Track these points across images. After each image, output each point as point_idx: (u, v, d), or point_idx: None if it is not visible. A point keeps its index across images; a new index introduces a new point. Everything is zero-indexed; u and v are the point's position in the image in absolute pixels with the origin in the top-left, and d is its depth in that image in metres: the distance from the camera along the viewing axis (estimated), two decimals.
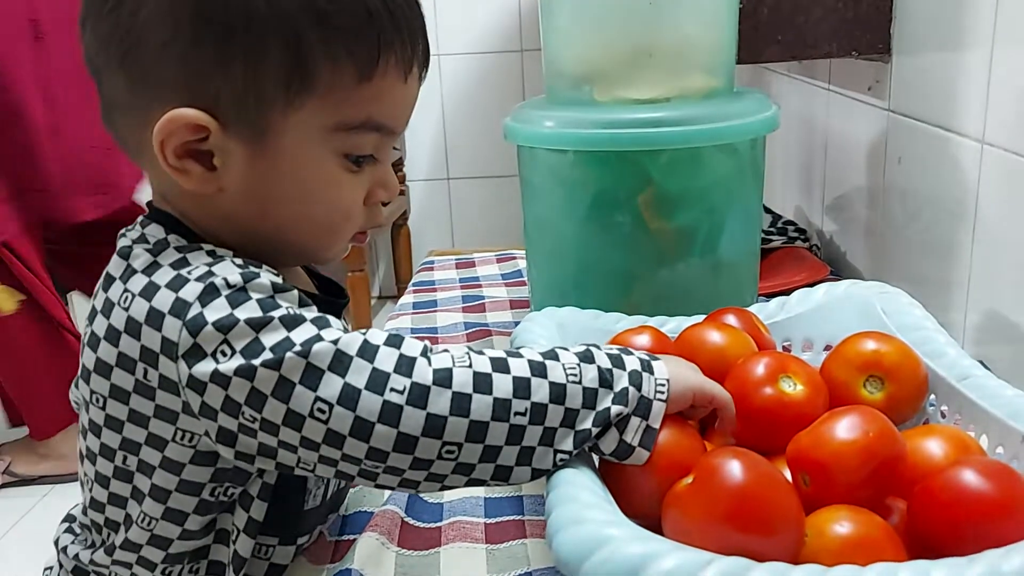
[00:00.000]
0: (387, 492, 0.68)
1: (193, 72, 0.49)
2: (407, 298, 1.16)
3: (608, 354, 0.51)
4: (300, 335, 0.46)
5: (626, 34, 0.81)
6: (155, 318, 0.48)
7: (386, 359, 0.47)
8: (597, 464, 0.51)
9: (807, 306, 0.73)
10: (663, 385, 0.51)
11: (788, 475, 0.51)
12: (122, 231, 0.55)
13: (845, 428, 0.50)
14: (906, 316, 0.67)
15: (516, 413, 0.47)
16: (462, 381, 0.46)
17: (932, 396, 0.61)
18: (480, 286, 1.19)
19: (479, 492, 0.67)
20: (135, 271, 0.51)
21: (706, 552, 0.41)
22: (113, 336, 0.50)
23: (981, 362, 0.61)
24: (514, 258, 1.31)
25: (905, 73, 0.95)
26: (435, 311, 1.10)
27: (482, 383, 0.47)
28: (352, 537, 0.62)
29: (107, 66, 0.52)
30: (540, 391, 0.48)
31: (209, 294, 0.47)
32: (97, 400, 0.52)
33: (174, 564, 0.55)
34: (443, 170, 2.74)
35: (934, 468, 0.51)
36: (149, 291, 0.49)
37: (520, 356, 0.49)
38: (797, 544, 0.45)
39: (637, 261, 0.83)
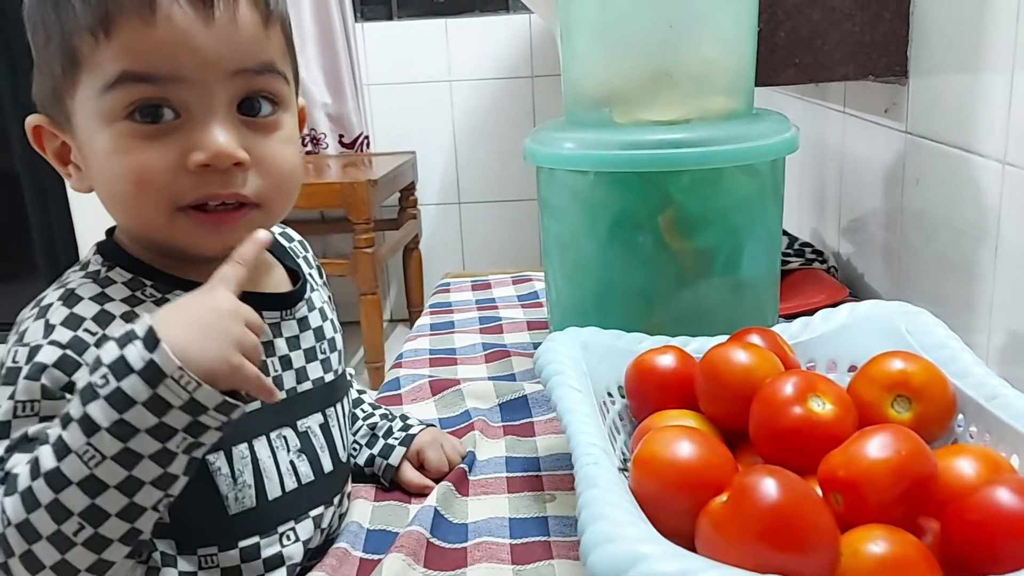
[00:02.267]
0: (412, 513, 0.68)
1: (33, 82, 0.56)
2: (424, 319, 1.16)
3: (107, 397, 0.45)
4: None
5: (646, 56, 0.82)
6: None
7: None
8: (629, 482, 0.51)
9: (830, 326, 0.73)
10: (187, 382, 0.45)
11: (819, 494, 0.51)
12: None
13: (877, 447, 0.50)
14: (931, 336, 0.67)
15: (76, 532, 0.45)
16: (12, 543, 0.46)
17: (960, 416, 0.61)
18: (497, 307, 1.19)
19: (504, 513, 0.67)
20: None
21: (742, 570, 0.41)
22: None
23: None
24: (530, 280, 1.31)
25: (923, 95, 0.95)
26: (453, 332, 1.10)
27: (29, 532, 0.45)
28: (378, 557, 0.62)
29: None
30: (74, 500, 0.45)
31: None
32: None
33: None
34: (454, 194, 2.76)
35: (966, 487, 0.50)
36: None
37: (39, 472, 0.45)
38: (832, 563, 0.45)
39: (658, 281, 0.83)
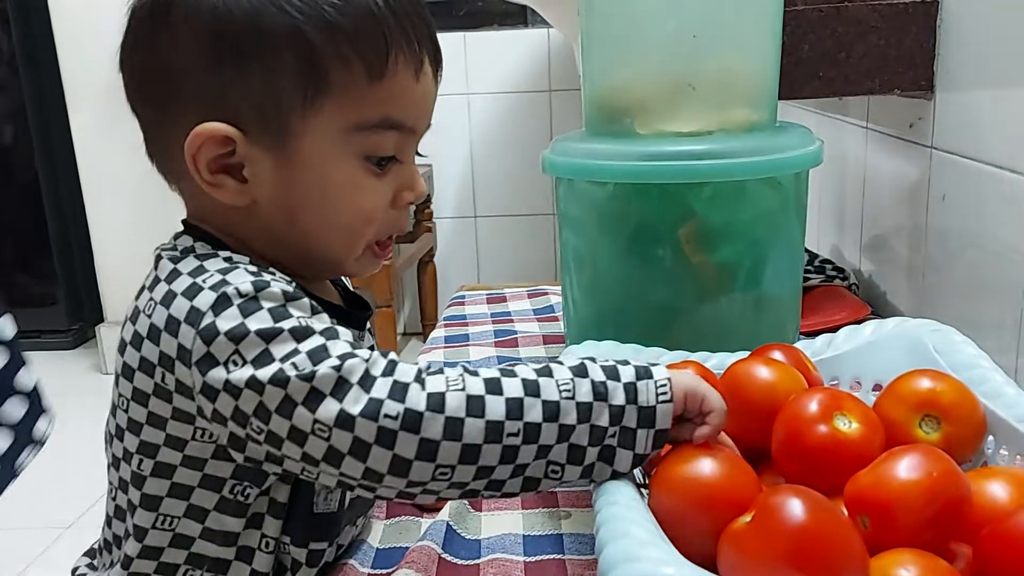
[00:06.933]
0: (424, 527, 0.66)
1: (215, 89, 0.52)
2: (439, 332, 1.15)
3: (603, 367, 0.51)
4: (308, 347, 0.48)
5: (669, 67, 0.81)
6: (172, 325, 0.50)
7: (381, 387, 0.47)
8: (648, 499, 0.49)
9: (855, 343, 0.71)
10: (664, 386, 0.50)
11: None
12: (157, 246, 0.57)
13: (907, 467, 0.48)
14: (959, 354, 0.65)
15: (509, 434, 0.47)
16: (455, 406, 0.47)
17: (990, 438, 0.59)
18: (512, 321, 1.18)
19: (518, 530, 0.65)
20: (159, 280, 0.53)
21: None
22: (137, 342, 0.52)
23: None
24: (545, 293, 1.30)
25: (949, 110, 0.93)
26: (467, 345, 1.08)
27: (475, 407, 0.47)
28: (387, 571, 0.61)
29: (139, 100, 0.56)
30: (533, 411, 0.48)
31: (221, 303, 0.49)
32: (122, 403, 0.54)
33: (195, 568, 0.55)
34: (470, 208, 2.75)
35: (1000, 511, 0.49)
36: (168, 299, 0.51)
37: (514, 375, 0.49)
38: None
39: (678, 295, 0.82)
